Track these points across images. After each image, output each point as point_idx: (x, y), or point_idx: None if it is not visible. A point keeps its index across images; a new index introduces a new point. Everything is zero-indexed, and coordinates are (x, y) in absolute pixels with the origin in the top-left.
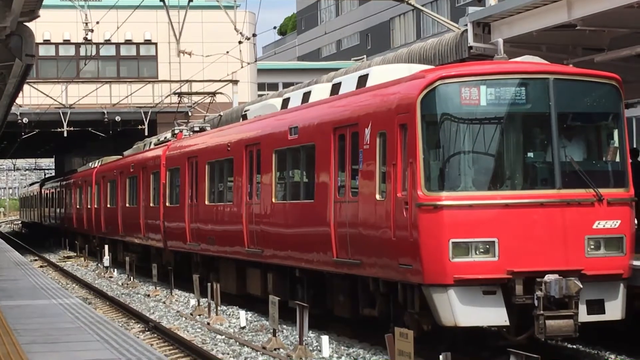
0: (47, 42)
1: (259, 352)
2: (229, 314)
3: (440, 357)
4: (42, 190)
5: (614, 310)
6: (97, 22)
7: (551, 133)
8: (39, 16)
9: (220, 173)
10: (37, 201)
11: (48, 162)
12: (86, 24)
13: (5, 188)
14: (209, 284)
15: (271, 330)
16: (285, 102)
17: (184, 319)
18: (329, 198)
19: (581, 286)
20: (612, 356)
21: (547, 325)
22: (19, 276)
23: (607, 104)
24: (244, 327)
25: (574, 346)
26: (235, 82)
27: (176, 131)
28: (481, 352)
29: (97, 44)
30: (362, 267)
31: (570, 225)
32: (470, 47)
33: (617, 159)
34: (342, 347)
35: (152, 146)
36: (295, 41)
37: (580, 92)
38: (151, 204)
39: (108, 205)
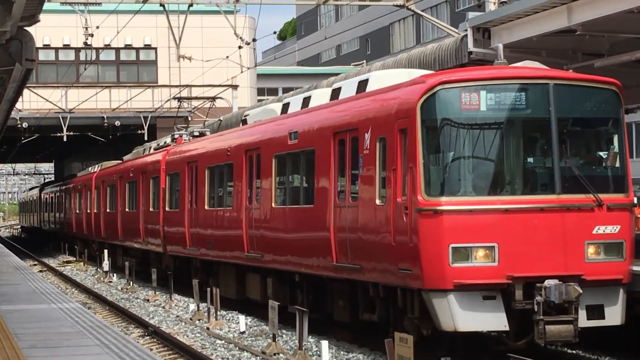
0: (47, 46)
1: (258, 357)
2: (229, 319)
3: None
4: (42, 195)
5: (614, 315)
6: (97, 27)
7: (551, 138)
8: (39, 21)
9: (220, 178)
10: (37, 206)
11: (48, 167)
12: (86, 28)
13: (4, 193)
14: (208, 289)
15: (271, 335)
16: (285, 107)
17: (183, 323)
18: (328, 203)
19: (581, 291)
20: None
21: (546, 330)
22: (18, 281)
23: (607, 109)
24: (243, 332)
25: (574, 351)
26: (235, 87)
27: (176, 136)
28: (481, 357)
29: (97, 49)
30: (362, 272)
31: (570, 231)
32: (470, 53)
33: (617, 164)
34: (342, 352)
35: (151, 151)
36: (295, 46)
37: (580, 98)
38: (151, 209)
39: (107, 210)
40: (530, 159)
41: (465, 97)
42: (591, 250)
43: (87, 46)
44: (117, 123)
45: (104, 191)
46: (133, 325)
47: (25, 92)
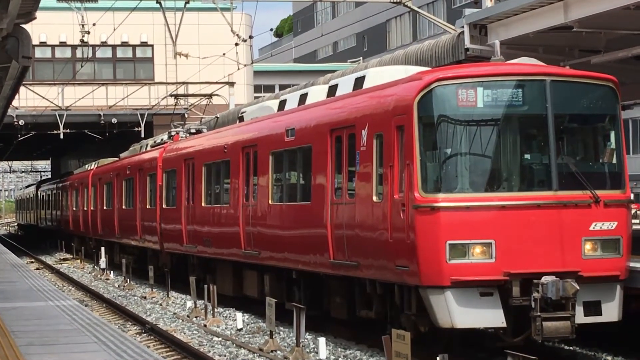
0: (43, 44)
1: (255, 354)
2: (226, 316)
3: (437, 358)
4: (39, 193)
5: (611, 311)
6: (94, 24)
7: (548, 135)
8: (35, 18)
9: (217, 175)
10: (34, 203)
11: (44, 164)
12: (82, 25)
13: (1, 190)
14: (205, 286)
15: (268, 332)
16: (282, 104)
17: (180, 320)
18: (325, 200)
19: (578, 288)
20: (609, 358)
21: (544, 326)
22: (15, 278)
23: (604, 106)
24: (240, 329)
25: (571, 348)
26: (231, 84)
27: (173, 133)
28: (478, 354)
29: (94, 46)
30: (359, 268)
31: (567, 227)
32: (467, 49)
33: (614, 161)
34: (339, 349)
35: (148, 148)
36: (291, 43)
37: (576, 94)
38: (148, 206)
39: (104, 207)
40: (527, 156)
41: (462, 93)
42: (588, 246)
43: (83, 43)
44: (114, 120)
45: (100, 188)
46: (130, 323)
47: (22, 89)
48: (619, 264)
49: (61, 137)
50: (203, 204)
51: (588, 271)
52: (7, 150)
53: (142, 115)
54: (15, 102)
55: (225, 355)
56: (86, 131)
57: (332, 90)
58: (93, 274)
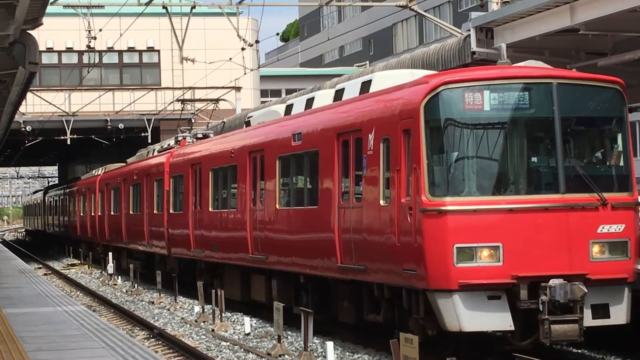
0: (50, 50)
1: (263, 359)
2: (234, 321)
3: None
4: (46, 198)
5: (619, 314)
6: (100, 30)
7: (555, 137)
8: (42, 24)
9: (223, 180)
10: (41, 209)
11: (51, 170)
12: (89, 31)
13: (8, 196)
14: (213, 291)
15: (276, 337)
16: (289, 109)
17: (188, 325)
18: (333, 204)
19: (586, 290)
20: None
21: (552, 329)
22: (23, 284)
23: (611, 108)
24: (248, 334)
25: (579, 351)
26: (238, 88)
27: (179, 138)
28: (486, 358)
29: (100, 52)
30: (367, 272)
31: (574, 230)
32: (473, 52)
33: (621, 163)
34: (347, 353)
35: (155, 153)
36: (297, 47)
37: (583, 97)
38: (155, 211)
39: (112, 213)
40: (534, 159)
41: (468, 97)
42: (596, 249)
43: (90, 49)
44: (121, 126)
45: (107, 194)
46: (138, 328)
47: (29, 95)
48: (626, 266)
49: (68, 142)
50: (210, 209)
51: (596, 274)
52: (14, 156)
53: (148, 120)
54: (22, 108)
55: None
56: (93, 137)
57: (339, 94)
58: (101, 279)
